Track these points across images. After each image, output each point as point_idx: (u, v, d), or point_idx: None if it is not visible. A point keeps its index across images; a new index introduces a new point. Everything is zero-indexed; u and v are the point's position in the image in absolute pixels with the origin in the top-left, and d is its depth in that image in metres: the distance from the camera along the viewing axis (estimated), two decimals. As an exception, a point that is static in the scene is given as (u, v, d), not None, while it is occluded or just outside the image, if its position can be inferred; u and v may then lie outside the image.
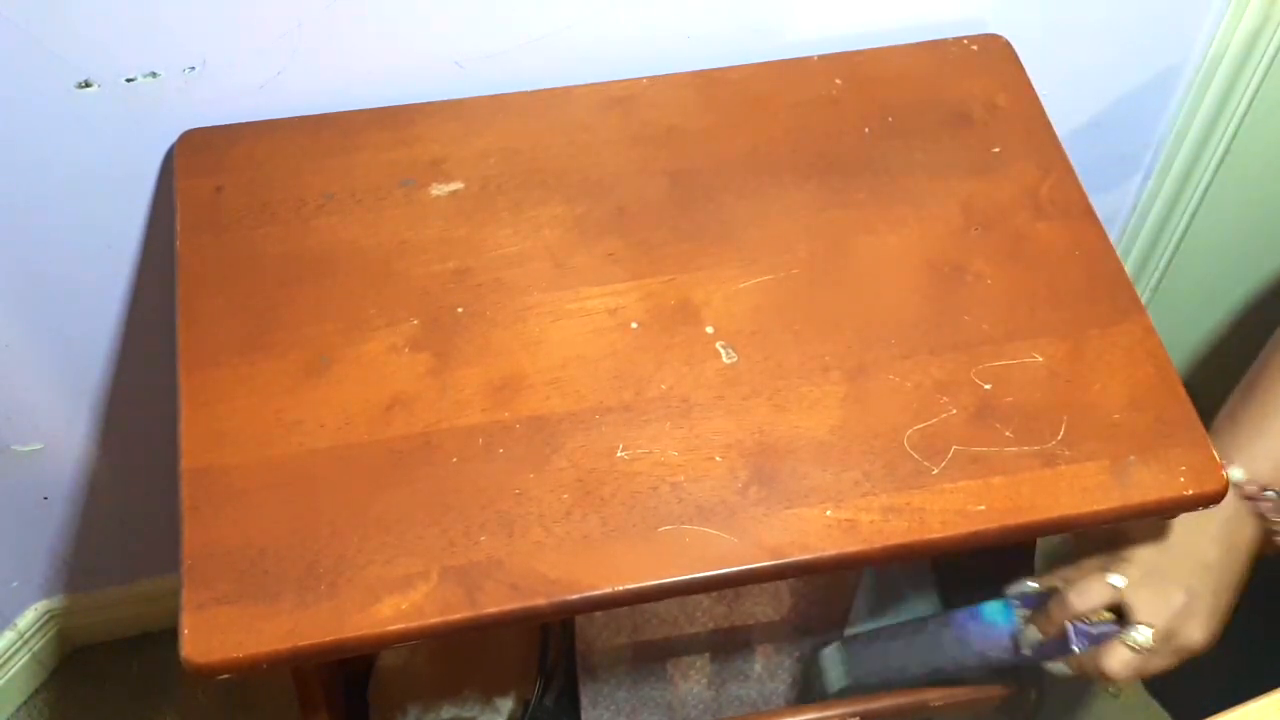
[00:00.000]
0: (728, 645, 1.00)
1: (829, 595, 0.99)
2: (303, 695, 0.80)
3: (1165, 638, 0.77)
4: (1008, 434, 0.69)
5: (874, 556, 0.65)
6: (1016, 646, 0.82)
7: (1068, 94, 0.96)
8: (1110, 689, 0.83)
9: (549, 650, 1.02)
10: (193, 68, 0.79)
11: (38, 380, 0.98)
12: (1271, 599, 1.17)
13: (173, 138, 0.81)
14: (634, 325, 0.73)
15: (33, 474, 1.07)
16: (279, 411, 0.69)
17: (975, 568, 0.92)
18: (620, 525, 0.65)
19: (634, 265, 0.76)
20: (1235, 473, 0.75)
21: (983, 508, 0.66)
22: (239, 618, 0.62)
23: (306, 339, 0.72)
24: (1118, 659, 0.78)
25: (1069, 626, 0.78)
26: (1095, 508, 0.66)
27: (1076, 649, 0.79)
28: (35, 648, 1.26)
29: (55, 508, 1.12)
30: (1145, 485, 0.67)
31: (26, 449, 1.04)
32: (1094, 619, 0.78)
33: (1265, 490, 0.75)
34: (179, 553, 0.64)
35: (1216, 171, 1.07)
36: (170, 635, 0.61)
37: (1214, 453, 0.68)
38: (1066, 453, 0.68)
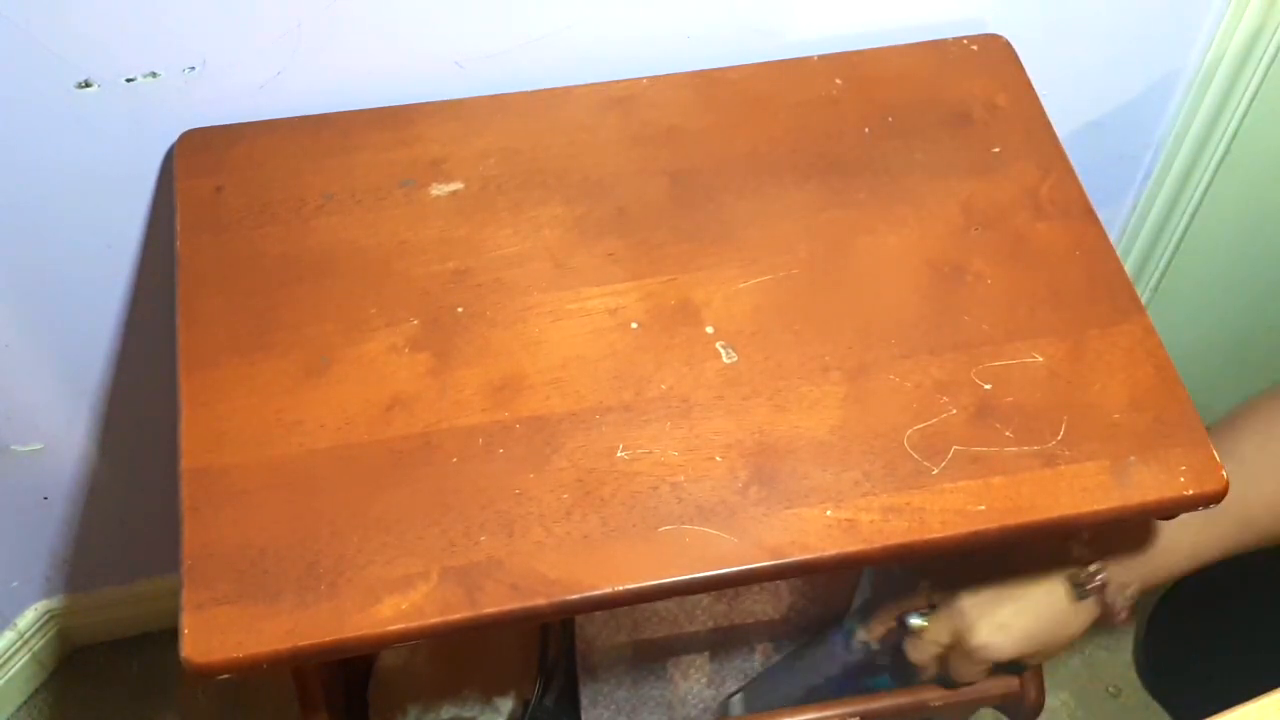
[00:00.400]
0: (727, 644, 1.00)
1: (829, 594, 0.99)
2: (303, 695, 0.80)
3: (950, 632, 0.84)
4: (1008, 434, 0.69)
5: (874, 556, 0.65)
6: (874, 657, 0.90)
7: (1068, 94, 0.96)
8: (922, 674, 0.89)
9: (549, 650, 1.02)
10: (193, 68, 0.79)
11: (38, 380, 0.98)
12: (1272, 599, 1.17)
13: (173, 138, 0.81)
14: (634, 325, 0.73)
15: (33, 474, 1.07)
16: (279, 411, 0.69)
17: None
18: (620, 525, 0.65)
19: (634, 265, 0.76)
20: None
21: (983, 508, 0.66)
22: (239, 618, 0.62)
23: (306, 339, 0.72)
24: (912, 647, 0.86)
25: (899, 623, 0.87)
26: (1095, 508, 0.66)
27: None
28: (35, 648, 1.26)
29: (55, 508, 1.12)
30: (1145, 485, 0.67)
31: (26, 449, 1.04)
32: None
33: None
34: (179, 553, 0.64)
35: (1216, 171, 1.07)
36: (170, 635, 0.61)
37: (1214, 453, 0.68)
38: (1066, 453, 0.68)
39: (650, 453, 0.68)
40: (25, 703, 1.28)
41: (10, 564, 1.17)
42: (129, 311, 0.94)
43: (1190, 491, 0.67)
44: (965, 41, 0.88)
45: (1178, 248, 1.15)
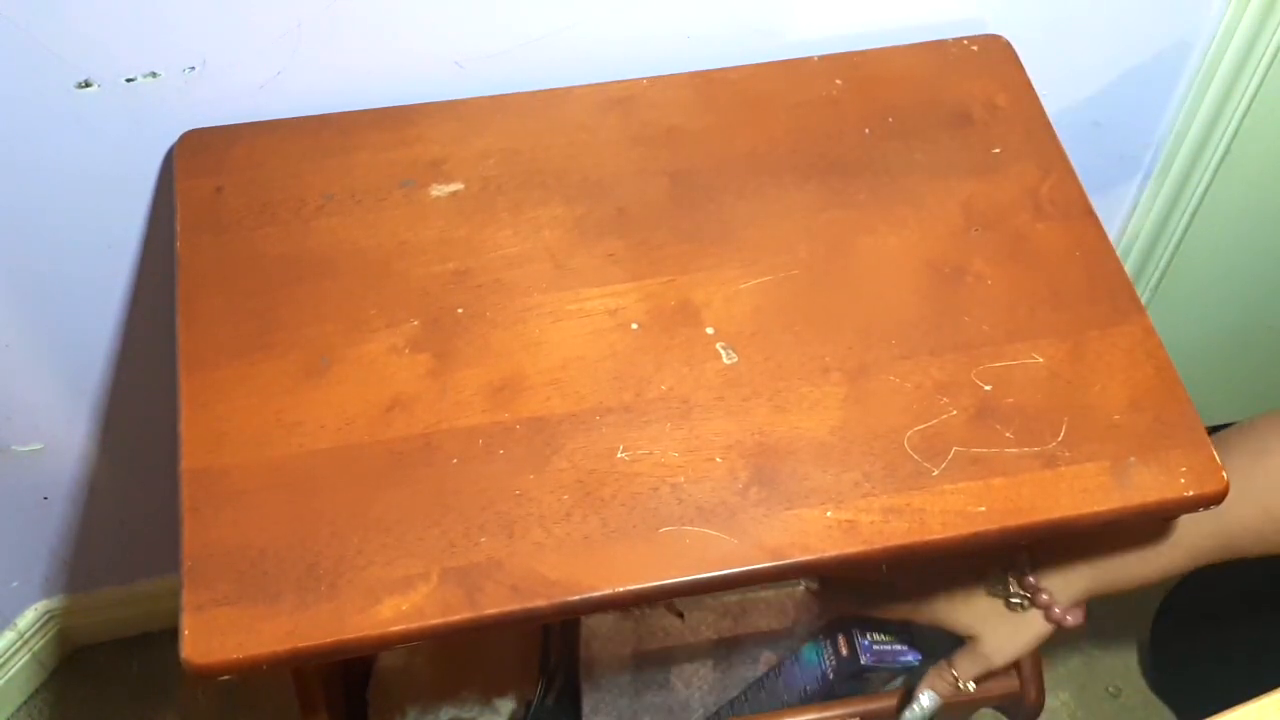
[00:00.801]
0: (730, 654, 1.00)
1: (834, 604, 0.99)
2: (303, 696, 0.80)
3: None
4: (1008, 435, 0.69)
5: (874, 557, 0.65)
6: (826, 676, 0.92)
7: (1068, 94, 0.96)
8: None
9: (550, 651, 1.02)
10: (193, 68, 0.78)
11: (38, 380, 0.98)
12: (1272, 600, 1.17)
13: (173, 138, 0.81)
14: (634, 326, 0.73)
15: (33, 474, 1.07)
16: (279, 412, 0.69)
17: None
18: (621, 526, 0.65)
19: (634, 266, 0.76)
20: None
21: (983, 509, 0.66)
22: (239, 618, 0.62)
23: (306, 339, 0.72)
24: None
25: (857, 643, 0.91)
26: (1095, 509, 0.66)
27: (864, 662, 0.91)
28: (35, 648, 1.26)
29: (55, 508, 1.12)
30: (1145, 486, 0.67)
31: (26, 449, 1.04)
32: (877, 638, 0.92)
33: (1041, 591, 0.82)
34: (179, 553, 0.64)
35: (1216, 171, 1.07)
36: (170, 635, 0.61)
37: (1214, 454, 0.68)
38: (1067, 454, 0.68)
39: (650, 454, 0.68)
40: (25, 703, 1.28)
41: (10, 564, 1.17)
42: (129, 311, 0.94)
43: (1190, 492, 0.67)
44: (965, 41, 0.88)
45: (1178, 248, 1.15)
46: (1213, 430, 0.73)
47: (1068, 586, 0.82)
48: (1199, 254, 1.16)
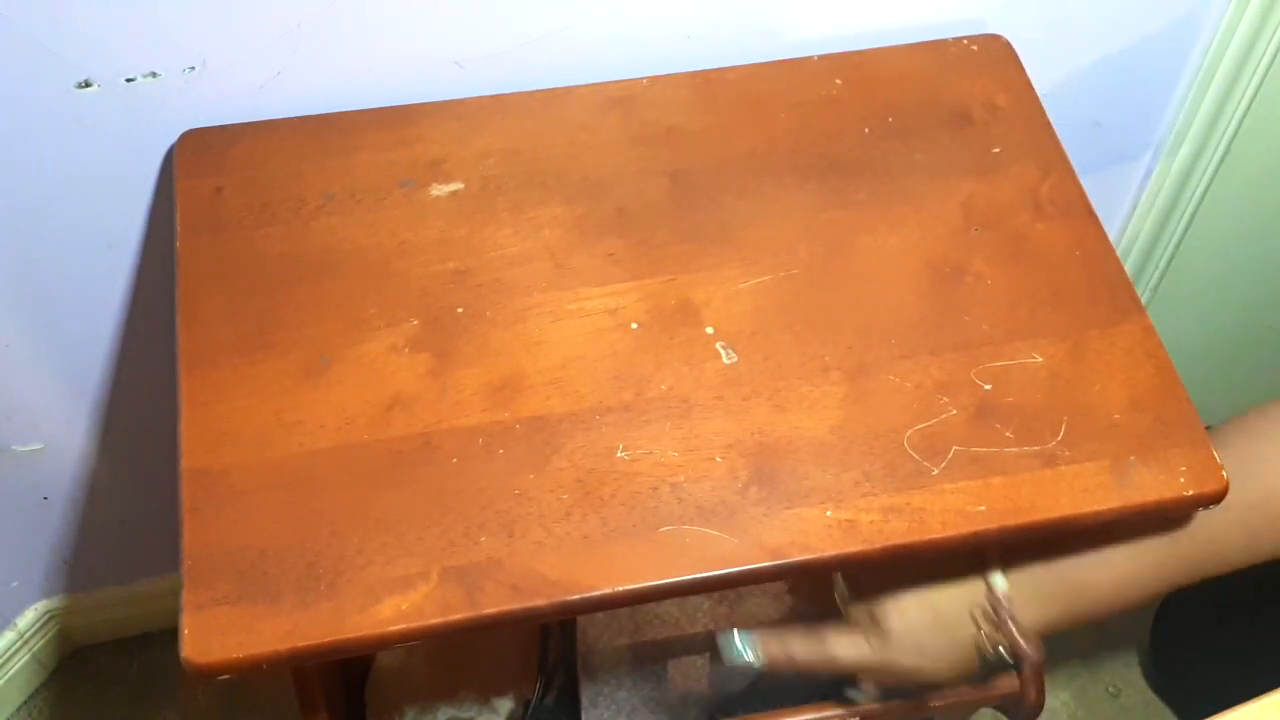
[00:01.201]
0: (728, 646, 1.00)
1: (829, 596, 0.99)
2: (303, 696, 0.80)
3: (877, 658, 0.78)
4: (1008, 434, 0.69)
5: (874, 557, 0.65)
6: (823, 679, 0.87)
7: (1068, 94, 0.96)
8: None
9: (549, 650, 1.02)
10: (193, 68, 0.79)
11: (38, 380, 0.98)
12: (1272, 600, 1.17)
13: (173, 138, 0.81)
14: (634, 325, 0.73)
15: (33, 474, 1.07)
16: (279, 412, 0.69)
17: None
18: (620, 526, 0.65)
19: (634, 265, 0.76)
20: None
21: (983, 508, 0.66)
22: (239, 618, 0.62)
23: (306, 339, 0.72)
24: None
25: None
26: (1095, 508, 0.66)
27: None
28: (35, 648, 1.26)
29: (55, 508, 1.12)
30: (1145, 486, 0.67)
31: (26, 449, 1.04)
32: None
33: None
34: (179, 553, 0.64)
35: (1216, 171, 1.07)
36: (170, 635, 0.61)
37: (1214, 454, 0.68)
38: (1066, 453, 0.68)
39: (650, 453, 0.68)
40: (25, 703, 1.28)
41: (10, 564, 1.17)
42: (129, 311, 0.94)
43: (1190, 492, 0.67)
44: (965, 41, 0.88)
45: (1178, 248, 1.15)
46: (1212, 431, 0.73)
47: (1036, 611, 0.76)
48: (1199, 254, 1.16)
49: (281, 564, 0.64)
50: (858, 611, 0.79)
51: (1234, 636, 1.24)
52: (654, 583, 0.64)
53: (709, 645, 1.00)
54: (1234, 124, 1.02)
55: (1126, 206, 1.13)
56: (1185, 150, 1.05)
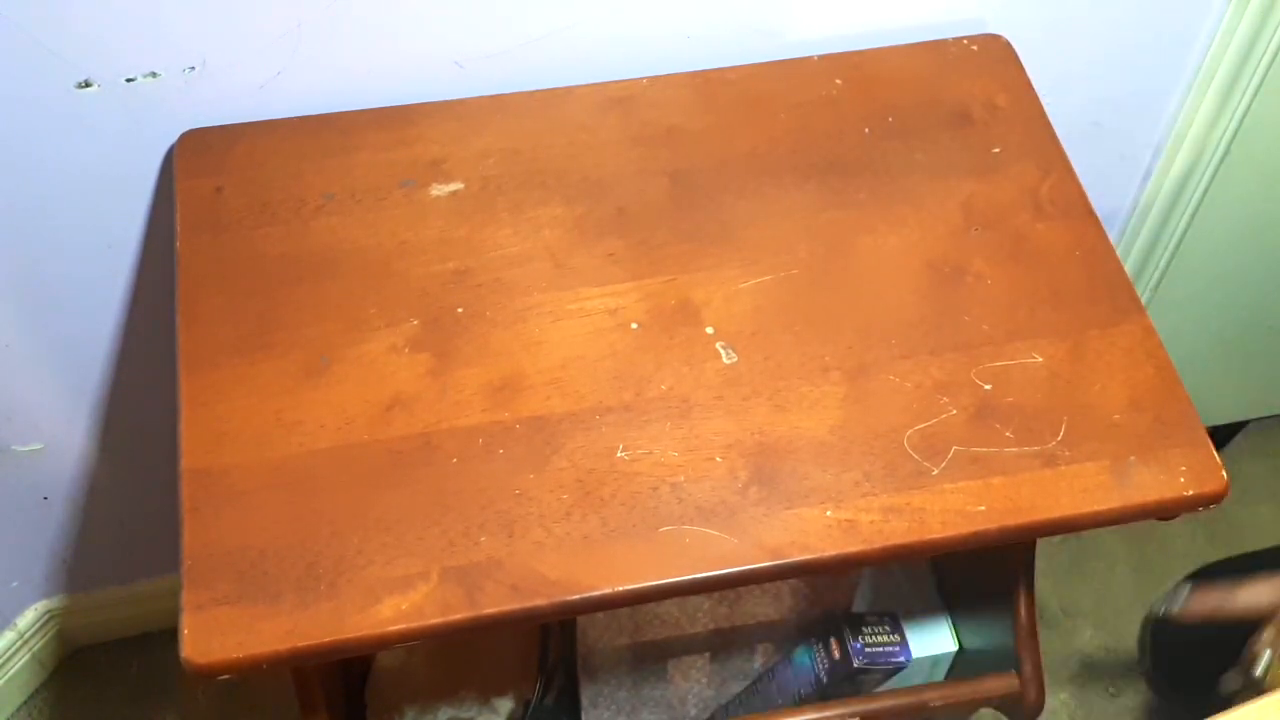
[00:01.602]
0: (728, 645, 1.00)
1: (829, 595, 0.99)
2: (303, 695, 0.80)
3: None
4: (1008, 434, 0.69)
5: (874, 556, 0.65)
6: (820, 680, 0.93)
7: (1068, 94, 0.96)
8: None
9: (549, 650, 1.02)
10: (193, 68, 0.79)
11: (38, 380, 0.98)
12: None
13: (173, 138, 0.81)
14: (634, 325, 0.73)
15: (33, 474, 1.07)
16: (279, 412, 0.69)
17: (973, 565, 0.92)
18: (620, 525, 0.65)
19: (634, 265, 0.76)
20: None
21: (983, 508, 0.66)
22: (239, 618, 0.62)
23: (306, 339, 0.72)
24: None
25: (849, 645, 0.91)
26: (1095, 508, 0.66)
27: (856, 664, 0.91)
28: (35, 648, 1.25)
29: (55, 508, 1.12)
30: (1145, 486, 0.67)
31: (26, 449, 1.04)
32: (869, 640, 0.93)
33: None
34: (179, 553, 0.64)
35: (1216, 171, 1.07)
36: (170, 635, 0.61)
37: (1214, 453, 0.68)
38: (1066, 453, 0.68)
39: (650, 453, 0.68)
40: (25, 703, 1.28)
41: (10, 564, 1.17)
42: (129, 311, 0.94)
43: (1190, 492, 0.67)
44: (965, 41, 0.88)
45: (1178, 248, 1.15)
46: (1212, 431, 0.73)
47: None
48: (1199, 254, 1.16)
49: (281, 564, 0.64)
50: None
51: (1233, 636, 1.24)
52: (654, 583, 0.64)
53: (709, 645, 1.00)
54: (1234, 124, 1.02)
55: (1126, 206, 1.13)
56: (1185, 150, 1.05)
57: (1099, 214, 0.78)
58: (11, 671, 1.24)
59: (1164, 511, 0.69)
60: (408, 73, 0.83)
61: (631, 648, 0.98)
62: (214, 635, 0.62)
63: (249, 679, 1.08)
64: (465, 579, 0.63)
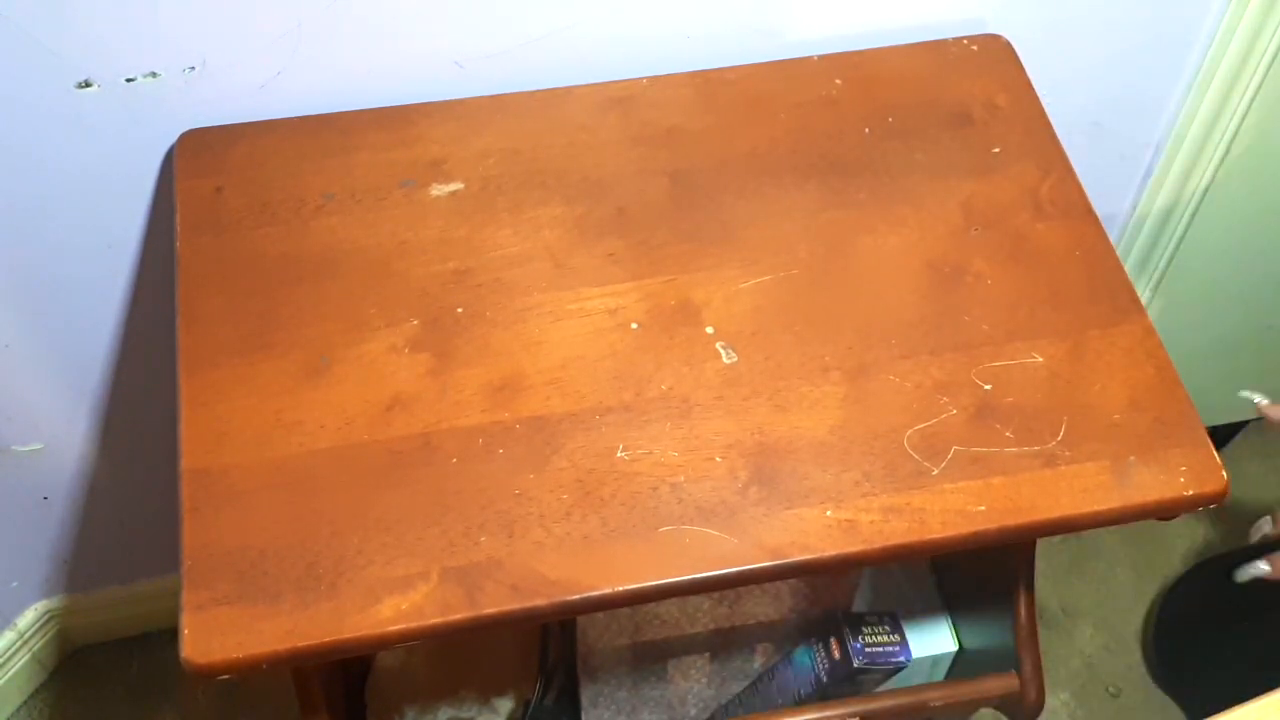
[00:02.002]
0: (728, 645, 1.00)
1: (829, 595, 0.99)
2: (303, 695, 0.80)
3: None
4: (1008, 434, 0.69)
5: (874, 557, 0.65)
6: (820, 680, 0.93)
7: (1068, 94, 0.96)
8: None
9: (549, 650, 1.02)
10: (193, 68, 0.79)
11: (38, 380, 0.98)
12: (1273, 600, 1.17)
13: (173, 138, 0.81)
14: (634, 326, 0.73)
15: (33, 474, 1.07)
16: (279, 412, 0.69)
17: (973, 565, 0.92)
18: (620, 525, 0.65)
19: (634, 265, 0.76)
20: None
21: (983, 508, 0.66)
22: (239, 618, 0.62)
23: (306, 339, 0.72)
24: None
25: (849, 645, 0.91)
26: (1095, 508, 0.66)
27: (856, 664, 0.92)
28: (35, 648, 1.26)
29: (55, 508, 1.12)
30: (1145, 486, 0.67)
31: (26, 449, 1.04)
32: (869, 640, 0.93)
33: None
34: (179, 553, 0.64)
35: (1216, 171, 1.07)
36: (170, 635, 0.61)
37: (1214, 453, 0.68)
38: (1066, 453, 0.68)
39: (650, 453, 0.68)
40: (25, 703, 1.28)
41: (10, 564, 1.17)
42: (129, 311, 0.94)
43: (1190, 492, 0.67)
44: (965, 41, 0.88)
45: (1178, 248, 1.15)
46: (1212, 431, 0.73)
47: None
48: (1199, 254, 1.16)
49: (281, 564, 0.64)
50: None
51: (1233, 636, 1.24)
52: (654, 583, 0.64)
53: (709, 645, 1.00)
54: (1234, 124, 1.02)
55: (1126, 206, 1.13)
56: (1185, 150, 1.05)
57: (1099, 214, 0.78)
58: (11, 671, 1.24)
59: (1164, 511, 0.69)
60: (408, 73, 0.83)
61: (631, 648, 0.98)
62: (214, 635, 0.62)
63: (249, 679, 1.08)
64: (465, 579, 0.63)
